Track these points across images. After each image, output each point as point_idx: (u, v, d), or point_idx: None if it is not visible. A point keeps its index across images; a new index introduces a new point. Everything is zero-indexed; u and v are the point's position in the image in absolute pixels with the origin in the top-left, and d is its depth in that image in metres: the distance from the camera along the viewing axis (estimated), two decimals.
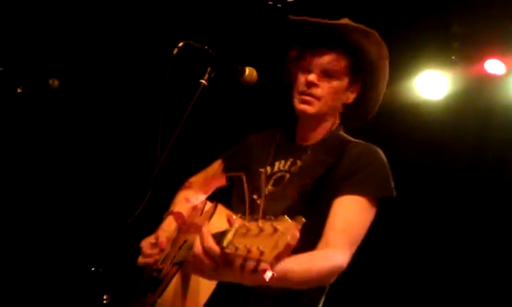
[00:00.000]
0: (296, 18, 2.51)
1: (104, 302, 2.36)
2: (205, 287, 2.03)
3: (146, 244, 2.43)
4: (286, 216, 1.52)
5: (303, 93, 2.43)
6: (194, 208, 2.63)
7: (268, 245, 1.48)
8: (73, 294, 4.51)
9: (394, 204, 5.28)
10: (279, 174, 2.42)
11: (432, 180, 5.21)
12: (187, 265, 2.05)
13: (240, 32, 4.63)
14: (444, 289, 5.03)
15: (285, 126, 2.61)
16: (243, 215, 2.28)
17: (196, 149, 4.61)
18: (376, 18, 4.68)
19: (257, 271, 1.51)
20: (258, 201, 2.33)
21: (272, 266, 1.48)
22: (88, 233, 4.90)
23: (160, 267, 2.33)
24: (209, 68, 2.37)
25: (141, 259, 2.41)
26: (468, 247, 4.99)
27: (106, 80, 5.14)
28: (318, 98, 2.42)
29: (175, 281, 2.10)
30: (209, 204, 2.45)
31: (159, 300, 2.10)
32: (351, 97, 2.49)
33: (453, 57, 4.81)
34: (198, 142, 4.67)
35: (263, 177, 2.37)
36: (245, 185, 2.35)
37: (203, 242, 1.74)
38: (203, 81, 2.36)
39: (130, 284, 2.48)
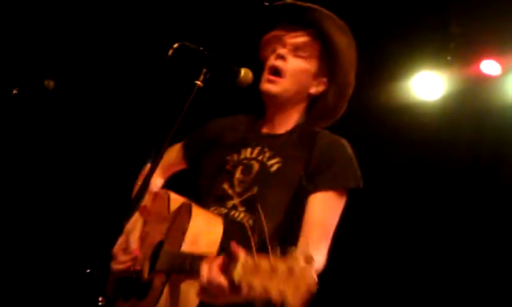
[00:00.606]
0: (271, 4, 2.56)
1: (99, 304, 2.35)
2: (194, 297, 2.04)
3: (118, 250, 2.40)
4: (296, 257, 1.54)
5: (269, 73, 2.46)
6: (155, 195, 2.62)
7: (289, 288, 1.50)
8: (68, 296, 4.51)
9: (391, 204, 5.29)
10: (246, 162, 2.42)
11: (428, 181, 5.22)
12: (179, 278, 2.08)
13: (236, 33, 4.62)
14: (442, 289, 5.03)
15: (254, 114, 2.61)
16: (218, 207, 2.34)
17: None
18: (372, 18, 4.70)
19: None
20: (232, 195, 2.35)
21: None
22: (83, 235, 4.89)
23: (138, 268, 2.33)
24: (204, 69, 2.36)
25: (114, 266, 2.39)
26: (464, 247, 4.99)
27: (101, 81, 5.13)
28: (283, 75, 2.43)
29: (166, 292, 2.11)
30: (174, 195, 2.45)
31: None
32: (316, 89, 2.48)
33: (449, 58, 4.81)
34: None
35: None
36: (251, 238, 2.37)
37: (210, 275, 1.76)
38: (199, 82, 2.35)
39: (98, 286, 2.46)
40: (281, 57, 2.45)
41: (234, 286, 1.63)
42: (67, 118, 5.17)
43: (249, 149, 2.46)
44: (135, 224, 2.52)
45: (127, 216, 2.23)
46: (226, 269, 1.70)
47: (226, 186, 2.39)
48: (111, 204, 4.45)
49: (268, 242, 1.70)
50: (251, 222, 2.26)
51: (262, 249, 1.91)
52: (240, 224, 2.25)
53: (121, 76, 5.10)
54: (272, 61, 2.47)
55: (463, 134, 4.98)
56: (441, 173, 5.19)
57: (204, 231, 2.15)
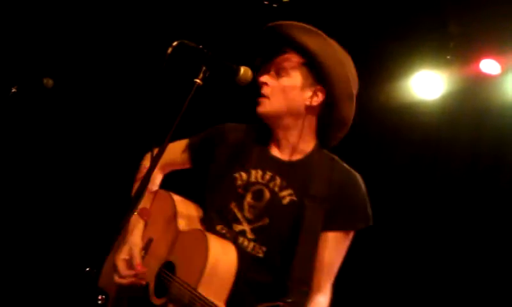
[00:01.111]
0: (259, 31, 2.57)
1: (99, 302, 2.35)
2: None
3: (120, 262, 2.40)
4: None
5: (257, 98, 2.48)
6: (156, 195, 2.64)
7: None
8: (68, 295, 4.51)
9: (390, 204, 5.28)
10: (257, 186, 2.42)
11: (428, 180, 5.21)
12: None
13: (236, 31, 4.62)
14: (442, 289, 5.03)
15: (263, 129, 2.56)
16: (224, 226, 2.37)
17: None
18: (372, 18, 4.70)
19: None
20: (241, 219, 2.38)
21: None
22: (82, 233, 4.89)
23: (143, 283, 2.37)
24: (204, 67, 2.35)
25: (117, 279, 2.38)
26: (464, 247, 4.99)
27: (100, 79, 5.13)
28: (267, 97, 2.44)
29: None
30: (177, 197, 2.49)
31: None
32: (314, 99, 2.43)
33: (448, 57, 4.81)
34: None
35: (228, 186, 2.45)
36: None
37: None
38: (198, 80, 2.34)
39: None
40: (264, 84, 2.46)
41: None
42: (66, 116, 5.16)
43: (259, 173, 2.44)
44: (135, 228, 2.51)
45: (126, 214, 2.21)
46: None
47: (235, 208, 2.40)
48: (110, 202, 4.45)
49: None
50: (261, 254, 2.31)
51: (273, 284, 1.97)
52: (251, 256, 2.32)
53: (120, 74, 5.09)
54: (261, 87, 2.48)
55: (462, 133, 4.97)
56: (441, 172, 5.19)
57: (220, 260, 2.20)
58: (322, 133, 2.50)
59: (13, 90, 3.76)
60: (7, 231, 4.95)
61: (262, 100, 2.46)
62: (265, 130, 2.53)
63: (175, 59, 2.31)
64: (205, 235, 2.25)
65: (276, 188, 2.39)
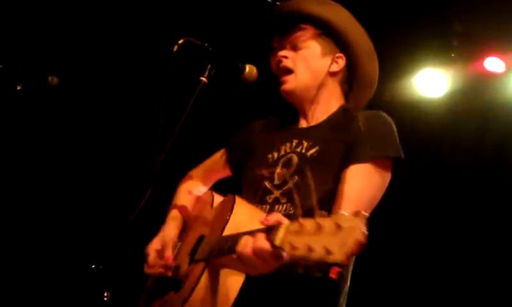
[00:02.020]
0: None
1: (105, 299, 2.35)
2: (234, 281, 2.02)
3: (152, 251, 2.36)
4: (344, 212, 1.50)
5: (280, 76, 2.47)
6: (198, 199, 2.61)
7: (335, 244, 1.44)
8: (74, 291, 4.52)
9: (394, 202, 5.29)
10: (287, 156, 2.39)
11: (432, 178, 5.22)
12: (219, 261, 2.02)
13: (240, 29, 4.62)
14: (445, 287, 5.03)
15: (287, 113, 2.57)
16: (258, 204, 2.28)
17: (197, 146, 4.61)
18: (377, 16, 4.70)
19: (326, 271, 1.49)
20: (272, 189, 2.32)
21: (343, 263, 1.44)
22: (88, 230, 4.90)
23: (175, 264, 2.29)
24: (209, 66, 2.37)
25: (146, 269, 2.35)
26: (467, 245, 4.99)
27: (106, 77, 5.13)
28: (290, 71, 2.44)
29: (204, 279, 2.04)
30: (219, 197, 2.42)
31: (190, 299, 2.04)
32: (336, 65, 2.46)
33: (453, 55, 4.81)
34: (198, 140, 4.66)
35: (260, 167, 2.34)
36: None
37: (254, 241, 1.74)
38: (203, 78, 2.35)
39: (137, 280, 2.45)
40: (283, 57, 2.46)
41: (276, 250, 1.62)
42: (71, 114, 5.17)
43: (287, 145, 2.42)
44: (172, 220, 2.50)
45: (133, 211, 2.22)
46: (268, 236, 1.68)
47: (266, 182, 2.36)
48: (115, 199, 4.46)
49: (315, 205, 1.62)
50: (292, 210, 2.22)
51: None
52: (287, 216, 2.23)
53: (125, 72, 5.10)
54: (278, 65, 2.48)
55: (466, 131, 4.98)
56: (445, 170, 5.20)
57: (246, 222, 2.05)
58: (348, 99, 2.51)
59: (18, 88, 3.77)
60: (13, 229, 4.96)
61: (286, 77, 2.45)
62: (290, 112, 2.52)
63: (180, 57, 2.32)
64: (234, 195, 2.19)
65: (304, 150, 2.36)
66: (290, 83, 2.45)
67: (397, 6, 4.68)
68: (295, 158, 2.36)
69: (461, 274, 4.98)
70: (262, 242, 1.70)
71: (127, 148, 5.21)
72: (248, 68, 2.46)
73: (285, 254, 1.58)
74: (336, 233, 1.45)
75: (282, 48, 2.49)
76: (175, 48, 2.31)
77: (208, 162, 2.76)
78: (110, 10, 4.79)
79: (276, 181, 2.34)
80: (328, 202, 2.17)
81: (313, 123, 2.46)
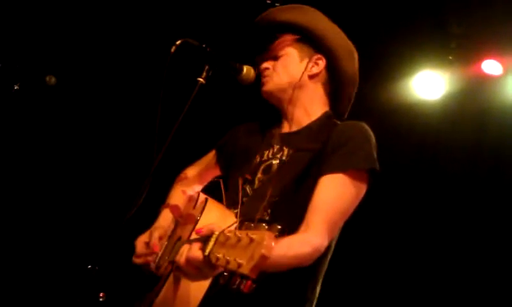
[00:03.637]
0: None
1: (100, 299, 2.35)
2: (198, 285, 2.02)
3: (139, 243, 2.39)
4: (264, 224, 1.57)
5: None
6: (190, 199, 2.61)
7: (244, 257, 1.52)
8: (69, 292, 4.51)
9: (391, 204, 5.29)
10: (267, 162, 2.41)
11: (429, 180, 5.22)
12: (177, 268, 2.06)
13: (238, 30, 4.62)
14: (444, 289, 5.04)
15: (272, 117, 2.60)
16: (235, 209, 2.25)
17: (194, 147, 4.60)
18: (374, 17, 4.70)
19: (237, 284, 1.57)
20: (250, 193, 2.34)
21: (251, 277, 1.52)
22: (84, 230, 4.89)
23: (160, 263, 2.32)
24: (207, 66, 2.37)
25: (134, 259, 2.39)
26: (465, 248, 5.00)
27: (103, 77, 5.13)
28: (270, 75, 2.48)
29: (169, 281, 2.08)
30: (202, 197, 2.44)
31: (157, 300, 2.08)
32: (313, 68, 2.47)
33: (450, 58, 4.81)
34: (195, 141, 4.66)
35: (240, 182, 2.36)
36: (223, 191, 2.37)
37: (188, 250, 1.77)
38: (201, 79, 2.35)
39: (132, 281, 2.46)
40: (265, 69, 2.51)
41: (207, 261, 1.67)
42: (69, 113, 5.17)
43: (270, 150, 2.44)
44: (164, 221, 2.52)
45: (129, 211, 2.22)
46: (202, 246, 1.73)
47: (245, 186, 2.37)
48: (112, 199, 4.46)
49: (256, 216, 1.72)
50: (267, 216, 2.21)
51: None
52: (259, 219, 2.21)
53: (123, 72, 5.09)
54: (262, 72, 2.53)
55: (463, 134, 4.98)
56: (442, 173, 5.20)
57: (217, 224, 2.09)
58: (333, 101, 2.53)
59: (16, 87, 3.77)
60: (10, 228, 4.96)
61: (265, 80, 2.50)
62: (275, 116, 2.55)
63: (178, 57, 2.31)
64: (207, 198, 2.21)
65: (284, 157, 2.38)
66: (267, 85, 2.49)
67: (395, 8, 4.69)
68: (274, 166, 2.38)
69: (460, 276, 4.98)
70: (196, 251, 1.74)
71: (124, 148, 5.21)
72: (245, 69, 2.47)
73: (212, 264, 1.65)
74: (247, 247, 1.53)
75: (264, 60, 2.53)
76: (173, 49, 2.31)
77: (202, 161, 2.79)
78: (108, 10, 4.78)
79: (256, 186, 2.36)
80: (279, 213, 2.19)
81: (294, 127, 2.48)
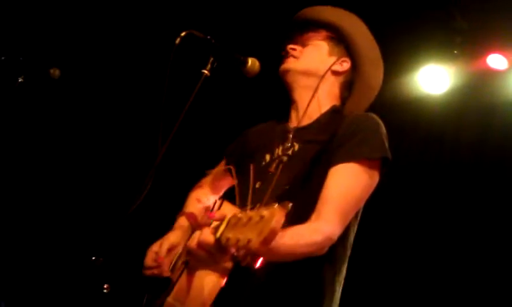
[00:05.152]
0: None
1: (105, 291, 2.35)
2: (211, 281, 2.02)
3: (150, 253, 2.37)
4: (275, 203, 1.56)
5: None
6: (207, 208, 2.60)
7: (254, 233, 1.52)
8: (74, 283, 4.53)
9: (396, 199, 5.28)
10: (278, 159, 2.40)
11: (433, 175, 5.21)
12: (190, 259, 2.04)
13: (243, 22, 4.62)
14: (447, 284, 5.03)
15: (281, 114, 2.60)
16: (244, 206, 2.26)
17: (198, 139, 4.61)
18: (379, 12, 4.69)
19: (247, 260, 1.60)
20: (262, 188, 2.32)
21: (260, 251, 1.55)
22: (88, 222, 4.90)
23: (176, 268, 2.30)
24: (212, 58, 2.36)
25: (142, 270, 2.36)
26: (471, 241, 4.99)
27: (108, 70, 5.13)
28: (295, 56, 2.50)
29: (182, 280, 2.08)
30: (219, 201, 2.43)
31: (169, 299, 2.08)
32: (338, 66, 2.50)
33: (455, 52, 4.80)
34: (200, 133, 4.66)
35: (252, 169, 2.37)
36: (234, 176, 2.41)
37: (200, 235, 1.78)
38: (206, 71, 2.34)
39: (139, 276, 2.45)
40: (291, 49, 2.53)
41: (218, 244, 1.69)
42: (73, 106, 5.17)
43: (280, 147, 2.43)
44: (178, 227, 2.51)
45: (134, 203, 2.22)
46: (213, 230, 1.74)
47: (257, 185, 2.36)
48: (116, 192, 4.46)
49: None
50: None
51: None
52: None
53: (128, 65, 5.09)
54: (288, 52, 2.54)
55: (468, 128, 4.97)
56: (447, 167, 5.19)
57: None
58: (344, 103, 2.55)
59: (20, 80, 3.76)
60: (14, 220, 4.97)
61: (288, 58, 2.51)
62: (280, 110, 2.55)
63: (183, 49, 2.31)
64: (222, 200, 2.20)
65: (294, 153, 2.38)
66: (290, 63, 2.50)
67: (400, 2, 4.68)
68: (285, 161, 2.37)
69: (464, 269, 4.98)
70: (207, 235, 1.75)
71: (128, 140, 5.21)
72: (250, 61, 2.46)
73: (222, 246, 1.66)
74: (258, 223, 1.54)
75: (291, 43, 2.55)
76: (177, 40, 2.31)
77: (215, 171, 2.77)
78: (112, 2, 4.78)
79: (267, 182, 2.33)
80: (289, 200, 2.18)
81: (304, 120, 2.46)
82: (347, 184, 2.19)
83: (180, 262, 2.28)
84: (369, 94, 2.59)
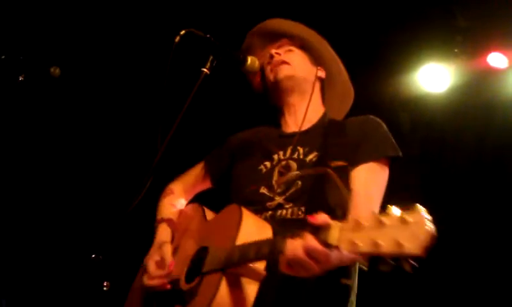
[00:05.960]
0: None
1: (104, 288, 2.35)
2: (250, 289, 2.01)
3: (151, 262, 2.32)
4: (395, 208, 1.50)
5: (276, 64, 2.55)
6: (181, 213, 2.60)
7: (404, 236, 1.44)
8: (74, 281, 4.53)
9: (396, 199, 5.27)
10: (282, 163, 2.40)
11: (434, 173, 5.21)
12: (235, 271, 2.02)
13: (243, 21, 4.61)
14: (445, 286, 5.03)
15: (269, 120, 2.64)
16: (258, 210, 2.27)
17: (197, 138, 4.61)
18: (379, 11, 4.69)
19: (403, 265, 1.48)
20: (273, 196, 2.32)
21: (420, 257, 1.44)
22: (88, 220, 4.91)
23: (176, 275, 2.24)
24: (211, 57, 2.36)
25: (147, 281, 2.28)
26: (471, 241, 4.99)
27: (108, 68, 5.13)
28: (285, 62, 2.55)
29: (223, 287, 2.01)
30: (236, 208, 2.37)
31: None
32: (321, 73, 2.62)
33: (456, 51, 4.80)
34: (199, 131, 4.66)
35: (250, 174, 2.40)
36: (336, 180, 2.31)
37: (305, 243, 1.72)
38: (205, 70, 2.35)
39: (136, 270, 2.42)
40: (277, 53, 2.58)
41: (330, 250, 1.63)
42: (73, 105, 5.17)
43: (281, 153, 2.45)
44: (163, 231, 2.49)
45: (133, 201, 2.22)
46: (318, 237, 1.67)
47: (264, 190, 2.36)
48: (116, 190, 4.47)
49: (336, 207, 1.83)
50: (302, 215, 2.23)
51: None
52: (293, 220, 2.23)
53: (127, 63, 5.09)
54: (269, 61, 2.59)
55: (469, 127, 4.97)
56: (447, 165, 5.19)
57: (255, 231, 2.06)
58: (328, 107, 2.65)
59: (20, 78, 3.76)
60: (15, 218, 4.97)
61: (282, 66, 2.54)
62: (271, 117, 2.59)
63: (182, 48, 2.31)
64: (239, 206, 2.17)
65: (301, 156, 2.40)
66: (286, 70, 2.54)
67: (401, 1, 4.67)
68: (294, 165, 2.38)
69: (463, 268, 4.98)
70: (314, 242, 1.70)
71: (128, 138, 5.21)
72: (249, 59, 2.47)
73: (345, 252, 1.58)
74: (402, 227, 1.46)
75: (272, 47, 2.62)
76: (177, 39, 2.31)
77: (188, 176, 2.77)
78: (112, 2, 4.78)
79: (278, 189, 2.34)
80: (339, 204, 2.20)
81: (297, 127, 2.50)
82: (373, 183, 2.30)
83: (181, 268, 2.25)
84: (349, 98, 2.73)
